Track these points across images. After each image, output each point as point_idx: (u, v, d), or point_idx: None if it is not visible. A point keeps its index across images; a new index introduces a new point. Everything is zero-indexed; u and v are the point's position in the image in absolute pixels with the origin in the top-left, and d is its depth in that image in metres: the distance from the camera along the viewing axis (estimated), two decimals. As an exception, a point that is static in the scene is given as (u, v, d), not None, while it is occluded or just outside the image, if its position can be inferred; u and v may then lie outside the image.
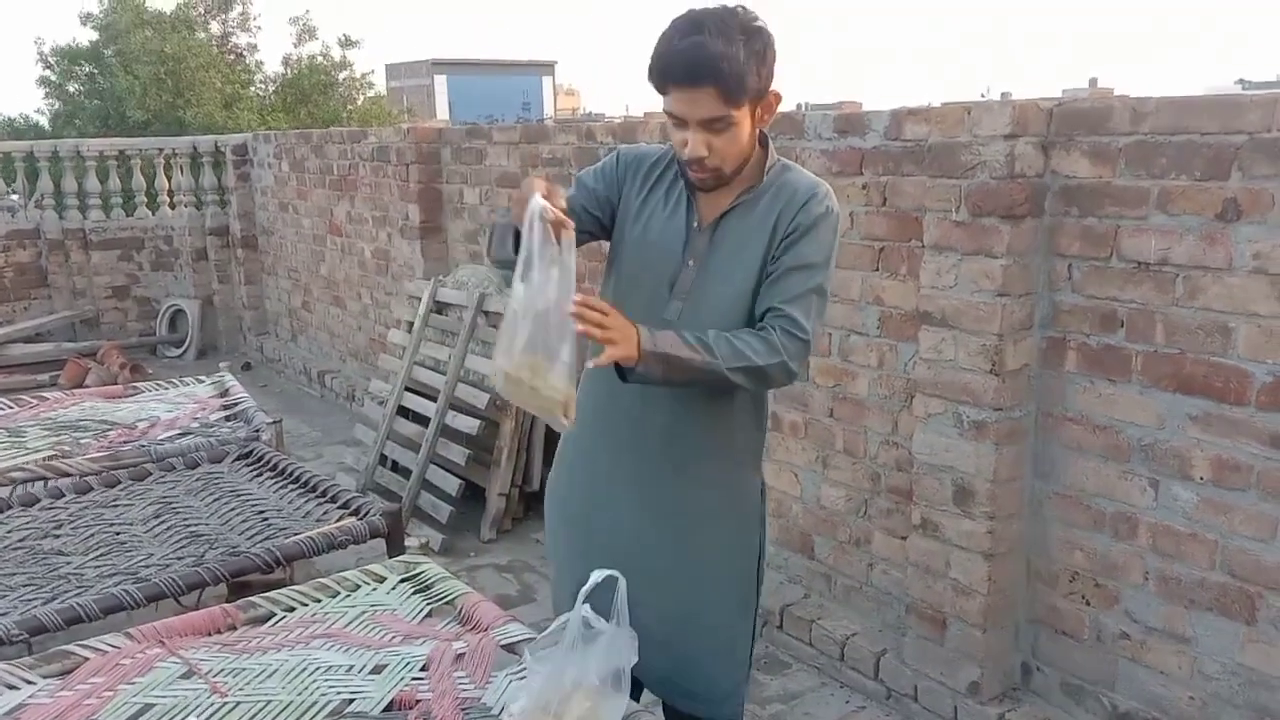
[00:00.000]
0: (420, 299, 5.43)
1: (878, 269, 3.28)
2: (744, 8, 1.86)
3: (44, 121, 16.21)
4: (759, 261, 1.95)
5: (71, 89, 16.01)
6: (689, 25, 1.81)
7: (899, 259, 3.21)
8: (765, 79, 1.85)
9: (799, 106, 3.95)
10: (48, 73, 16.10)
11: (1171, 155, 2.52)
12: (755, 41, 1.81)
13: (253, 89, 16.12)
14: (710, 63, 1.78)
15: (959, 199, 2.85)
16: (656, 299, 2.00)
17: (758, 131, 1.94)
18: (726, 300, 1.96)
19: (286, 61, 16.72)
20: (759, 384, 1.95)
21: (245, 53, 16.62)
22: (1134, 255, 2.63)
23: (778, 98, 1.92)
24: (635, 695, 2.17)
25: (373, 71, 19.44)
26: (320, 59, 16.59)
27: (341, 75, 16.90)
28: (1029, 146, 2.74)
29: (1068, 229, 2.77)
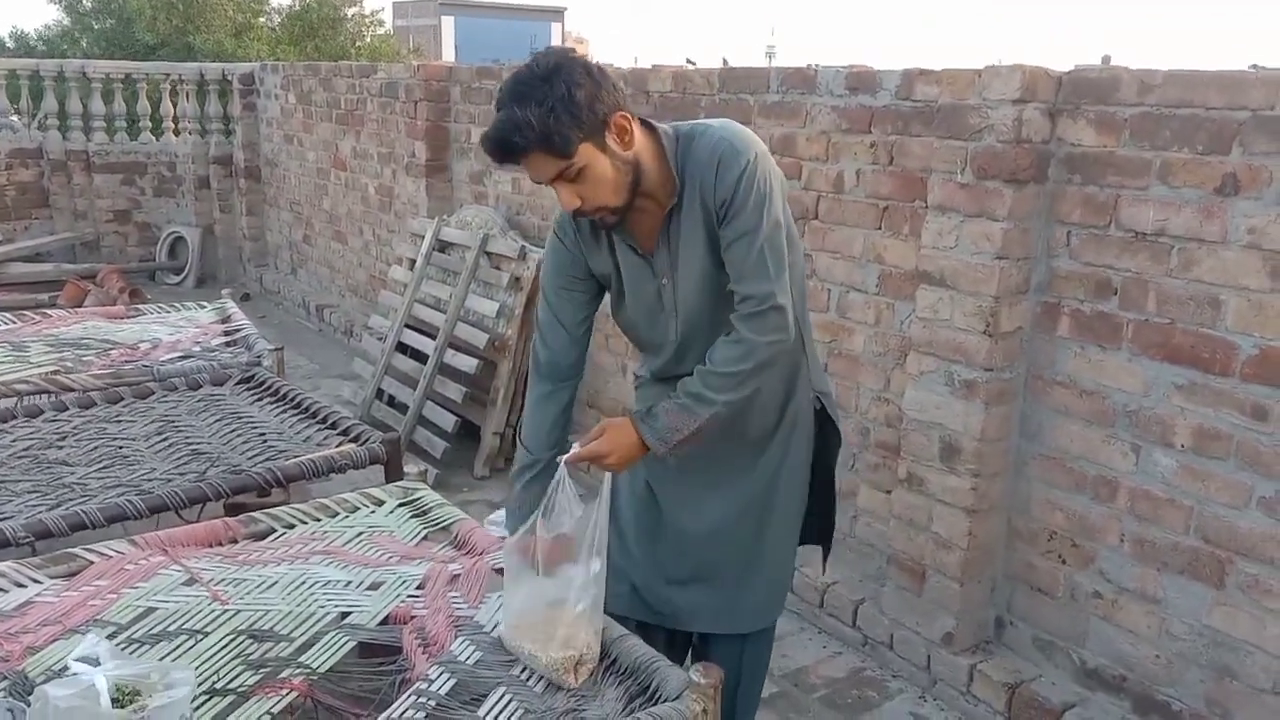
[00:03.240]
0: (423, 237, 5.45)
1: (880, 227, 3.31)
2: (547, 53, 1.83)
3: (52, 34, 15.96)
4: (708, 238, 1.96)
5: (87, 4, 15.80)
6: (496, 103, 1.82)
7: (902, 218, 3.24)
8: (588, 116, 1.79)
9: (809, 65, 3.95)
10: None
11: (1175, 128, 2.56)
12: (554, 88, 1.76)
13: (263, 19, 15.94)
14: (512, 136, 1.77)
15: (964, 161, 2.88)
16: (658, 322, 2.09)
17: (630, 154, 1.88)
18: (705, 289, 2.00)
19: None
20: (764, 375, 2.00)
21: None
22: (1132, 225, 2.67)
23: (625, 119, 1.85)
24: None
25: (381, 10, 19.21)
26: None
27: (350, 11, 16.71)
28: (1036, 112, 2.77)
29: (1069, 196, 2.80)
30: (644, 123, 1.94)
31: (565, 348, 2.11)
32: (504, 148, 1.80)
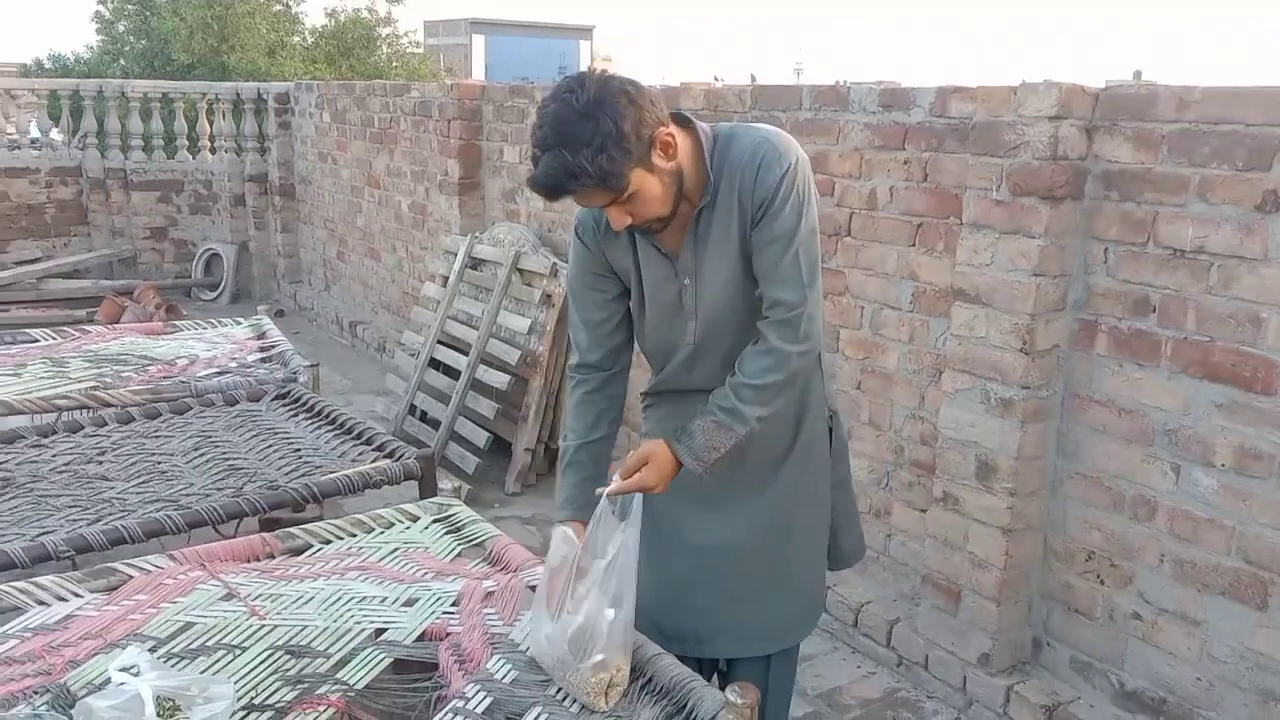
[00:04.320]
0: (456, 254, 5.49)
1: (914, 244, 3.30)
2: (581, 83, 1.77)
3: (89, 56, 16.23)
4: (739, 240, 1.94)
5: (121, 27, 16.08)
6: (540, 143, 1.76)
7: (936, 235, 3.23)
8: (636, 144, 1.76)
9: (840, 82, 3.96)
10: (101, 8, 16.20)
11: (1214, 145, 2.53)
12: (601, 125, 1.72)
13: (296, 38, 16.14)
14: (567, 182, 1.75)
15: (1000, 178, 2.87)
16: (675, 325, 2.07)
17: (674, 164, 1.86)
18: (727, 292, 1.98)
19: (331, 13, 16.75)
20: (794, 383, 1.99)
21: (291, 2, 16.63)
22: (1170, 242, 2.65)
23: (669, 135, 1.84)
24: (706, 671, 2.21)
25: (415, 31, 19.43)
26: (365, 13, 16.60)
27: (385, 31, 16.90)
28: (1073, 129, 2.75)
29: (1106, 213, 2.78)
30: (683, 121, 1.92)
31: (590, 345, 2.14)
32: (558, 192, 1.79)
